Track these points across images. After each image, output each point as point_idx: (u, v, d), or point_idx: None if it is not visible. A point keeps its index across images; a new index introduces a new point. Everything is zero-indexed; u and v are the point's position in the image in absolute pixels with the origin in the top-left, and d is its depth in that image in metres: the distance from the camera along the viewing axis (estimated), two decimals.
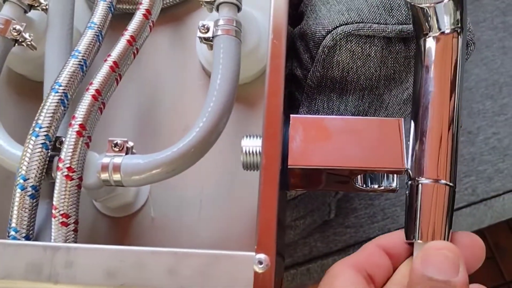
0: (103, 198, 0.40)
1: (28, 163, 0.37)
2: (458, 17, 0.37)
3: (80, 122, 0.38)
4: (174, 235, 0.43)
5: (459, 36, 0.37)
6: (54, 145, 0.39)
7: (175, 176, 0.39)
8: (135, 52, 0.43)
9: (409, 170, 0.36)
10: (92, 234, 0.44)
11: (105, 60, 0.41)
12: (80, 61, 0.41)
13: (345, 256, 0.36)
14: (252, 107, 0.47)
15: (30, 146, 0.37)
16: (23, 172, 0.37)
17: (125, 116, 0.47)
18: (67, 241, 0.37)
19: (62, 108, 0.39)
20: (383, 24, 0.43)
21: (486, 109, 0.87)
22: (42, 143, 0.37)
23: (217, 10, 0.43)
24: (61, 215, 0.36)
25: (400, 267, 0.36)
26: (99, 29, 0.43)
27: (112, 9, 0.45)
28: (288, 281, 0.84)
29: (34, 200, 0.37)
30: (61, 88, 0.39)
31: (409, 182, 0.36)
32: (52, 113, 0.38)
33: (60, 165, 0.37)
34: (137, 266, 0.33)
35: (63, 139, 0.38)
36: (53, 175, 0.38)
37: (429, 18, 0.36)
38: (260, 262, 0.33)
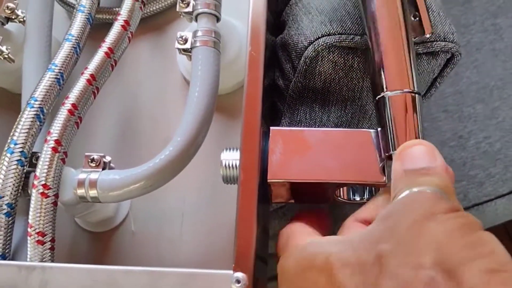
0: (81, 213, 0.40)
1: (3, 180, 0.36)
2: None
3: (55, 138, 0.37)
4: (155, 250, 0.42)
5: None
6: (30, 161, 0.38)
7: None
8: (113, 64, 0.42)
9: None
10: (73, 250, 0.43)
11: (82, 74, 0.40)
12: (57, 75, 0.40)
13: None
14: (234, 118, 0.46)
15: (5, 163, 0.37)
16: None
17: (105, 128, 0.46)
18: (43, 260, 0.36)
19: (38, 123, 0.38)
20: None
21: (477, 113, 0.86)
22: (17, 160, 0.37)
23: (196, 20, 0.42)
24: (37, 233, 0.36)
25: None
26: (77, 41, 0.42)
27: (91, 20, 0.44)
28: None
29: (10, 218, 0.36)
30: (36, 103, 0.38)
31: (376, 99, 0.38)
32: (28, 129, 0.38)
33: (36, 182, 0.36)
34: (111, 286, 0.32)
35: (40, 154, 0.37)
36: (29, 191, 0.38)
37: None
38: (238, 281, 0.32)
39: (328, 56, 0.42)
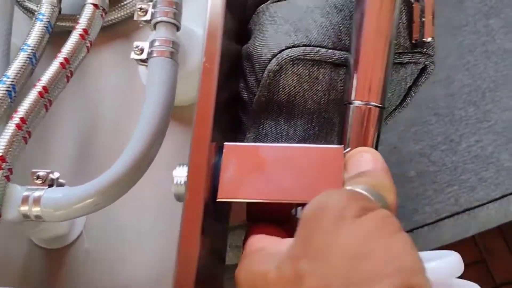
0: (30, 231, 0.38)
1: None
2: None
3: (0, 154, 0.35)
4: (110, 268, 0.40)
5: None
6: None
7: (110, 205, 0.36)
8: (69, 75, 0.40)
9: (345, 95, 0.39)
10: (26, 266, 0.41)
11: (35, 86, 0.38)
12: (8, 87, 0.38)
13: None
14: None
15: None
16: None
17: (64, 141, 0.44)
18: None
19: None
20: (331, 48, 0.40)
21: (468, 116, 0.84)
22: None
23: (155, 29, 0.40)
24: None
25: None
26: (33, 51, 0.40)
27: (50, 28, 0.42)
28: None
29: None
30: None
31: (344, 105, 0.38)
32: None
33: None
34: None
35: None
36: None
37: None
38: None
39: (292, 69, 0.40)
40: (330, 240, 0.26)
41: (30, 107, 0.37)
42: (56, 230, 0.40)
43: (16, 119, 0.37)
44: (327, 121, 0.42)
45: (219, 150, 0.36)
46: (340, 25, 0.41)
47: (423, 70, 0.43)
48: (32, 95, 0.38)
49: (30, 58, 0.40)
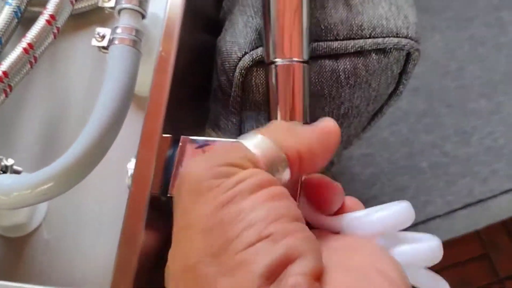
0: None
1: None
2: None
3: None
4: (69, 260, 0.39)
5: None
6: None
7: (69, 195, 0.35)
8: (33, 61, 0.39)
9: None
10: None
11: None
12: None
13: None
14: None
15: None
16: None
17: (30, 129, 0.43)
18: None
19: None
20: None
21: (481, 108, 0.81)
22: None
23: (119, 15, 0.38)
24: None
25: None
26: None
27: (19, 13, 0.41)
28: None
29: None
30: None
31: (266, 67, 0.37)
32: None
33: None
34: None
35: None
36: None
37: None
38: None
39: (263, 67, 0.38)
40: (187, 216, 0.24)
41: None
42: (15, 218, 0.39)
43: None
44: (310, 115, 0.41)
45: (175, 143, 0.34)
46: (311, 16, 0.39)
47: (408, 56, 0.41)
48: None
49: None
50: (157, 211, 0.32)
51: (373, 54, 0.39)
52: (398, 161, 0.88)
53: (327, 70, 0.39)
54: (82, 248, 0.39)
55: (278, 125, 0.28)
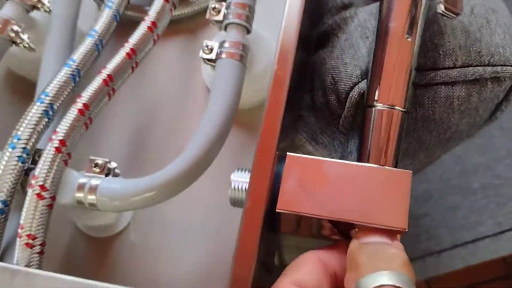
0: (79, 218, 0.37)
1: (1, 175, 0.34)
2: None
3: (60, 138, 0.34)
4: (153, 263, 0.39)
5: None
6: (33, 158, 0.35)
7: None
8: (134, 66, 0.39)
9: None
10: (70, 252, 0.40)
11: (100, 73, 0.37)
12: (73, 71, 0.37)
13: None
14: (254, 134, 0.42)
15: (6, 158, 0.34)
16: None
17: (119, 131, 0.43)
18: (30, 264, 0.33)
19: (46, 119, 0.35)
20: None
21: None
22: (18, 156, 0.34)
23: (225, 30, 0.38)
24: (27, 235, 0.33)
25: None
26: (100, 38, 0.39)
27: (118, 17, 0.41)
28: None
29: (3, 216, 0.34)
30: (47, 98, 0.35)
31: (365, 108, 0.37)
32: (34, 125, 0.35)
33: (33, 182, 0.33)
34: None
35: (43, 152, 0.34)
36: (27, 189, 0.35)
37: None
38: None
39: None
40: None
41: (94, 93, 0.36)
42: (104, 219, 0.39)
43: (79, 104, 0.35)
44: (416, 139, 0.41)
45: (280, 158, 0.34)
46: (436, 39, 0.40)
47: None
48: (97, 82, 0.37)
49: (97, 44, 0.39)
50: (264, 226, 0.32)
51: (489, 82, 0.40)
52: (451, 180, 0.89)
53: (441, 96, 0.40)
54: (168, 253, 0.39)
55: None
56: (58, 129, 0.34)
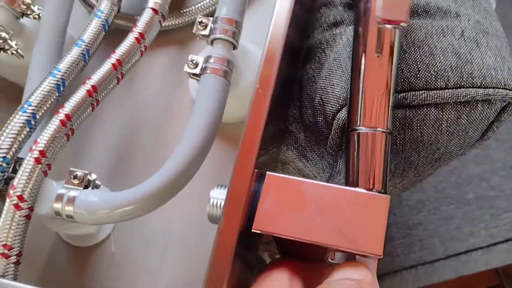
0: (59, 228, 0.36)
1: None
2: None
3: (41, 149, 0.34)
4: (132, 275, 0.39)
5: None
6: (14, 167, 0.35)
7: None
8: (120, 77, 0.38)
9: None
10: (51, 260, 0.40)
11: (84, 83, 0.37)
12: (58, 81, 0.37)
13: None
14: (237, 149, 0.42)
15: None
16: None
17: (104, 142, 0.43)
18: (6, 275, 0.33)
19: (28, 129, 0.35)
20: (400, 92, 0.38)
21: None
22: None
23: (212, 44, 0.38)
24: (3, 246, 0.32)
25: None
26: (87, 48, 0.39)
27: (107, 26, 0.40)
28: None
29: None
30: (30, 108, 0.35)
31: (348, 133, 0.36)
32: (15, 134, 0.34)
33: (11, 192, 0.33)
34: None
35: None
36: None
37: None
38: None
39: None
40: None
41: (77, 104, 0.36)
42: (85, 229, 0.38)
43: (61, 115, 0.35)
44: (404, 160, 0.41)
45: (260, 177, 0.34)
46: (417, 59, 0.39)
47: (507, 106, 0.40)
48: (81, 93, 0.36)
49: (84, 54, 0.38)
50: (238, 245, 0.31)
51: (479, 105, 0.39)
52: (445, 190, 0.89)
53: (431, 118, 0.39)
54: (147, 265, 0.39)
55: None
56: (38, 140, 0.34)
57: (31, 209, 0.33)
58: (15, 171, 0.35)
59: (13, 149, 0.34)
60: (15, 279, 0.33)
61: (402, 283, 0.86)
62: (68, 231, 0.38)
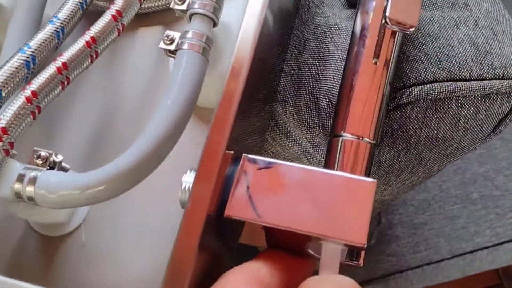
0: (25, 214, 0.34)
1: None
2: None
3: (2, 125, 0.31)
4: (103, 266, 0.36)
5: None
6: None
7: (112, 200, 0.31)
8: (94, 56, 0.36)
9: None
10: (20, 249, 0.37)
11: (54, 60, 0.34)
12: (27, 57, 0.34)
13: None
14: None
15: None
16: None
17: (79, 123, 0.40)
18: None
19: None
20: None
21: None
22: None
23: (190, 20, 0.35)
24: None
25: None
26: (61, 26, 0.36)
27: (85, 5, 0.38)
28: None
29: None
30: None
31: (331, 138, 0.34)
32: None
33: None
34: None
35: None
36: None
37: None
38: None
39: None
40: None
41: (45, 81, 0.33)
42: (53, 217, 0.35)
43: (27, 91, 0.33)
44: (415, 156, 0.38)
45: (236, 160, 0.31)
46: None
47: None
48: (50, 69, 0.34)
49: (58, 32, 0.36)
50: (208, 231, 0.28)
51: (499, 98, 0.36)
52: (450, 190, 0.88)
53: (449, 115, 0.37)
54: (119, 258, 0.36)
55: None
56: (1, 116, 0.32)
57: None
58: None
59: None
60: None
61: (408, 283, 0.84)
62: (36, 218, 0.35)
